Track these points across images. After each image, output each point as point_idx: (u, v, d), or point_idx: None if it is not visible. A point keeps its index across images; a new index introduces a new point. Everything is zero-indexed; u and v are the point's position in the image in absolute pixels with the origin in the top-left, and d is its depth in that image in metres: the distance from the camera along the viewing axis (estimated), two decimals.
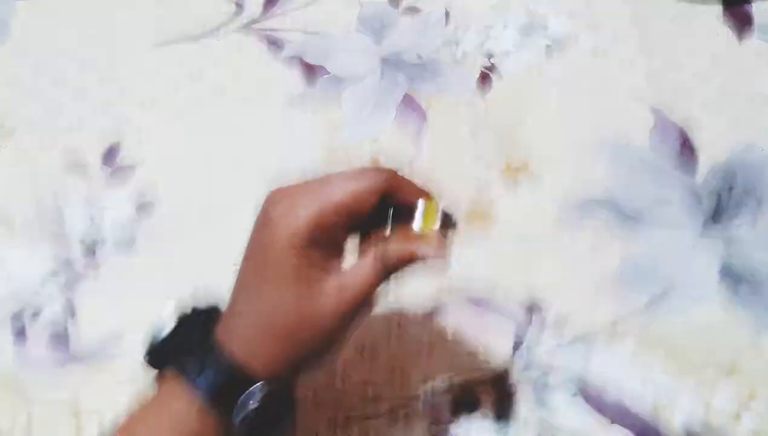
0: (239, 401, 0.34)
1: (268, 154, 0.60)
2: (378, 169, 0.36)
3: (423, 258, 0.35)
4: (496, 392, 0.48)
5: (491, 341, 0.50)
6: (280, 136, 0.61)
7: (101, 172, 0.59)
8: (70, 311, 0.53)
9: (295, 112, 0.62)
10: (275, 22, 0.68)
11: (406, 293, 0.53)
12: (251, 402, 0.34)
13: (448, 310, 0.52)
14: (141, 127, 0.62)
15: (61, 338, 0.52)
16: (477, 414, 0.47)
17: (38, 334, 0.52)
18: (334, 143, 0.60)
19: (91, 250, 0.55)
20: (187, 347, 0.35)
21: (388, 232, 0.36)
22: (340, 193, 0.34)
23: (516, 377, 0.49)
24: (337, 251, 0.39)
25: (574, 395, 0.48)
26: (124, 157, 0.60)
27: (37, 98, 0.64)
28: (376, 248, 0.35)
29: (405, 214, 0.36)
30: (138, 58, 0.66)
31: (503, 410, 0.47)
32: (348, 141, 0.60)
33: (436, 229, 0.35)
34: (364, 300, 0.35)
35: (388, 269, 0.35)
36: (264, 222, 0.35)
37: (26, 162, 0.60)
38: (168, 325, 0.37)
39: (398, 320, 0.52)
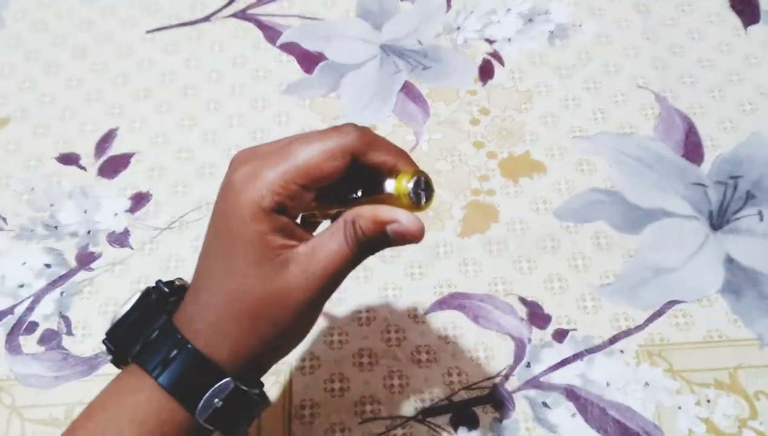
0: (204, 399, 0.31)
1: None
2: (349, 127, 0.33)
3: (394, 221, 0.32)
4: (495, 409, 0.47)
5: (491, 357, 0.50)
6: (277, 124, 0.60)
7: (95, 162, 0.58)
8: (63, 310, 0.52)
9: (293, 100, 0.61)
10: (272, 8, 0.67)
11: (404, 298, 0.52)
12: (216, 400, 0.31)
13: (448, 318, 0.51)
14: (135, 116, 0.60)
15: (54, 339, 0.51)
16: (476, 432, 0.47)
17: (31, 339, 0.51)
18: None
19: (84, 242, 0.54)
20: (146, 328, 0.33)
21: (360, 193, 0.34)
22: (307, 153, 0.31)
23: (515, 394, 0.48)
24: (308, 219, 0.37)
25: (574, 415, 0.47)
26: (118, 147, 0.59)
27: (30, 88, 0.62)
28: (349, 213, 0.33)
29: (378, 176, 0.33)
30: (132, 46, 0.65)
31: (502, 428, 0.47)
32: None
33: (411, 190, 0.32)
34: (337, 270, 0.32)
35: (360, 234, 0.32)
36: (226, 187, 0.32)
37: (19, 152, 0.59)
38: (128, 304, 0.34)
39: (396, 333, 0.51)
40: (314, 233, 0.34)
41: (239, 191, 0.31)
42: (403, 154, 0.34)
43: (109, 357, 0.35)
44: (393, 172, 0.33)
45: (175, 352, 0.32)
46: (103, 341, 0.34)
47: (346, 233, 0.32)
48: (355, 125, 0.33)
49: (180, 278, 0.37)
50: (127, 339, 0.34)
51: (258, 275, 0.31)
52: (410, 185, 0.32)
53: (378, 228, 0.32)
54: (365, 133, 0.33)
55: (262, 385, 0.35)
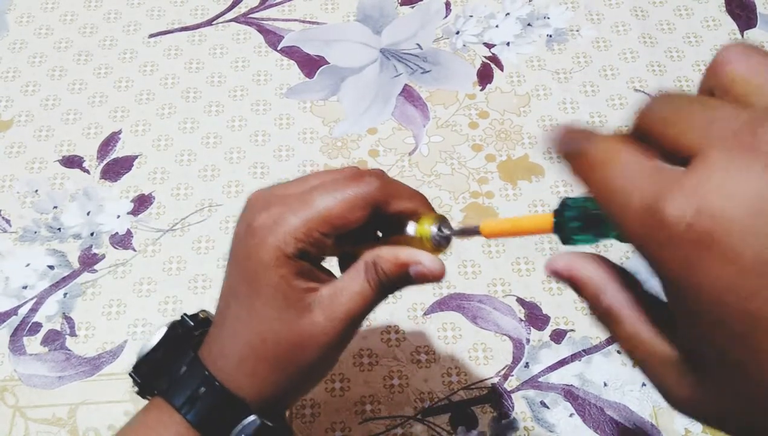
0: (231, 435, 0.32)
1: (267, 146, 0.59)
2: (371, 177, 0.33)
3: (417, 263, 0.32)
4: (494, 409, 0.48)
5: (490, 357, 0.50)
6: (278, 127, 0.60)
7: (98, 164, 0.59)
8: (67, 311, 0.52)
9: (294, 103, 0.62)
10: (273, 12, 0.67)
11: (403, 299, 0.52)
12: None
13: (447, 319, 0.52)
14: (138, 119, 0.61)
15: (58, 340, 0.51)
16: (475, 432, 0.47)
17: (35, 340, 0.51)
18: (333, 135, 0.60)
19: (87, 244, 0.55)
20: (173, 364, 0.34)
21: (379, 235, 0.34)
22: (330, 201, 0.32)
23: (514, 394, 0.49)
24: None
25: (572, 415, 0.47)
26: (120, 149, 0.59)
27: (34, 91, 0.63)
28: (368, 254, 0.33)
29: (399, 220, 0.34)
30: (134, 50, 0.65)
31: (501, 428, 0.47)
32: (347, 132, 0.60)
33: (434, 234, 0.33)
34: (360, 311, 0.33)
35: (382, 276, 0.33)
36: (248, 232, 0.32)
37: (23, 155, 0.59)
38: (155, 337, 0.35)
39: (396, 333, 0.51)
40: (331, 273, 0.35)
41: (263, 237, 0.32)
42: (421, 199, 0.35)
43: (135, 389, 0.35)
44: (413, 216, 0.34)
45: (203, 389, 0.32)
46: (130, 374, 0.35)
47: (368, 275, 0.33)
48: (377, 174, 0.33)
49: (204, 310, 0.38)
50: (155, 374, 0.34)
51: (282, 319, 0.32)
52: (433, 229, 0.33)
53: (400, 270, 0.33)
54: (386, 183, 0.33)
55: (284, 416, 0.36)
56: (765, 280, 0.18)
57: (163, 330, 0.35)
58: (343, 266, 0.36)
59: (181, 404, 0.32)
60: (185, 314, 0.37)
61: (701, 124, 0.20)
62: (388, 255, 0.33)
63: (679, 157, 0.20)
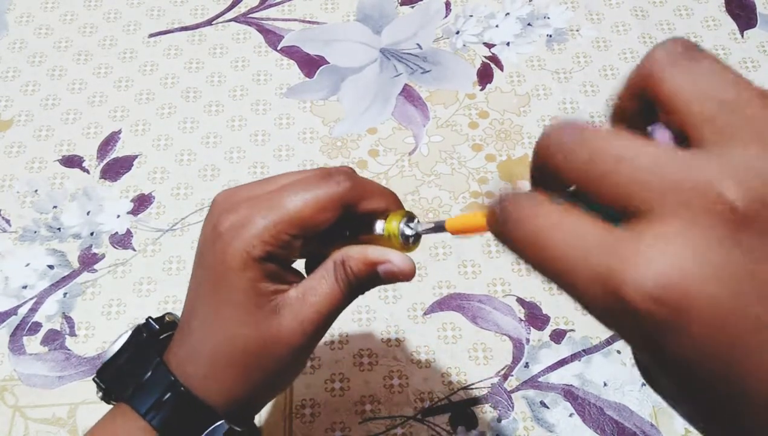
0: None
1: (266, 146, 0.59)
2: (340, 176, 0.32)
3: (386, 262, 0.32)
4: (493, 409, 0.48)
5: (489, 357, 0.50)
6: (278, 127, 0.60)
7: (98, 164, 0.59)
8: (66, 310, 0.52)
9: (294, 103, 0.62)
10: (273, 12, 0.67)
11: (403, 299, 0.52)
12: None
13: (447, 319, 0.52)
14: (138, 119, 0.61)
15: (58, 340, 0.51)
16: (474, 432, 0.47)
17: (35, 339, 0.51)
18: (333, 134, 0.60)
19: (87, 244, 0.55)
20: (138, 369, 0.33)
21: (347, 234, 0.33)
22: (299, 202, 0.31)
23: (514, 394, 0.49)
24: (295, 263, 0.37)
25: (571, 415, 0.47)
26: (120, 149, 0.59)
27: (34, 91, 0.63)
28: (337, 254, 0.33)
29: (367, 219, 0.33)
30: (134, 50, 0.65)
31: (501, 427, 0.47)
32: (347, 132, 0.60)
33: (402, 232, 0.32)
34: (329, 312, 0.32)
35: (351, 276, 0.32)
36: (214, 235, 0.32)
37: (22, 154, 0.59)
38: (119, 342, 0.34)
39: (396, 333, 0.51)
40: (300, 274, 0.34)
41: (229, 240, 0.31)
42: (392, 196, 0.34)
43: (99, 394, 0.35)
44: (382, 214, 0.33)
45: (168, 395, 0.32)
46: (94, 379, 0.34)
47: (337, 275, 0.32)
48: (347, 173, 0.33)
49: (170, 313, 0.37)
50: (120, 379, 0.34)
51: (251, 322, 0.31)
52: (401, 226, 0.32)
53: (369, 269, 0.32)
54: (357, 183, 0.32)
55: (253, 420, 0.35)
56: (752, 348, 0.16)
57: (127, 334, 0.35)
58: (310, 267, 0.35)
59: (146, 411, 0.32)
60: (150, 317, 0.36)
61: (648, 178, 0.18)
62: (356, 254, 0.32)
63: (616, 207, 0.18)
